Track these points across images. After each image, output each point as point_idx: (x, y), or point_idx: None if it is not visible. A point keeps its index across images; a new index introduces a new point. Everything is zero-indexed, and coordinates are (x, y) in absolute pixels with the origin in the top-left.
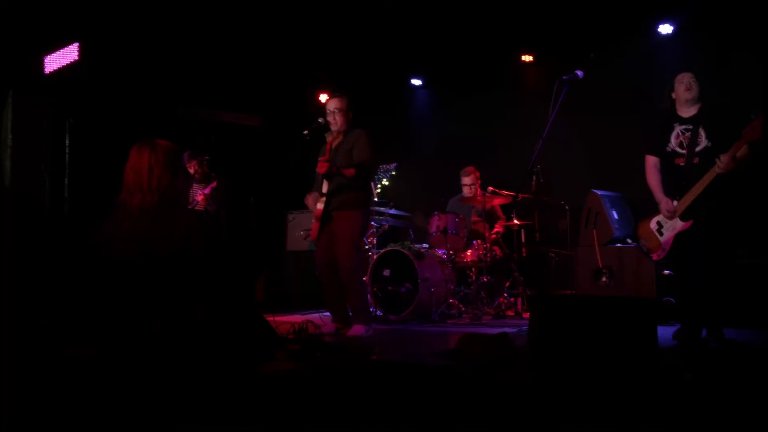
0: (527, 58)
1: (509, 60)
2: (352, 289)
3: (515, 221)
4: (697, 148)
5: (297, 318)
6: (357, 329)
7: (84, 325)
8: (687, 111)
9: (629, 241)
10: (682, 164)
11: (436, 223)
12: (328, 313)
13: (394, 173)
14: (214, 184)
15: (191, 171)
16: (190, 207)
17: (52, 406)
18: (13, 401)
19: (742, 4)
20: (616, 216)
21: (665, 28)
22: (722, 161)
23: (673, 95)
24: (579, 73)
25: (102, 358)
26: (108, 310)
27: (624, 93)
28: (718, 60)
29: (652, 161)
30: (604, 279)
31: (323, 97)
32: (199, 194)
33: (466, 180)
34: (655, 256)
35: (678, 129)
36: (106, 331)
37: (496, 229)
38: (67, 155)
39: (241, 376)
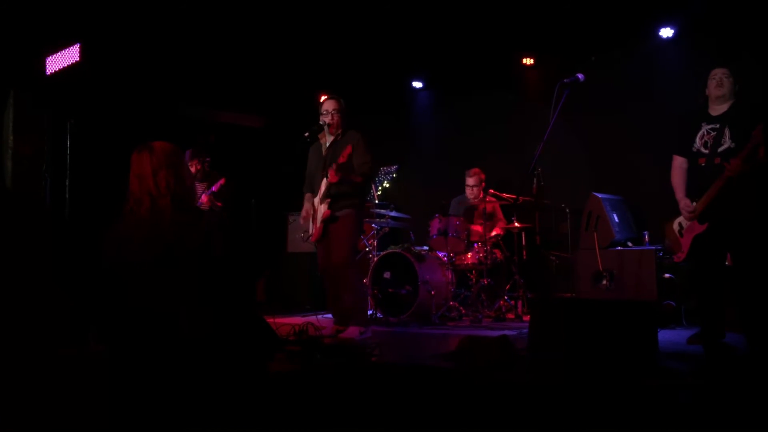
0: (528, 60)
1: (510, 62)
2: (348, 288)
3: (516, 224)
4: (720, 149)
5: (297, 319)
6: (351, 331)
7: (82, 325)
8: (717, 109)
9: (630, 244)
10: (703, 165)
11: (436, 225)
12: (328, 315)
13: (394, 175)
14: (222, 181)
15: (192, 170)
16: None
17: (52, 404)
18: (10, 400)
19: (743, 7)
20: (616, 219)
21: (666, 32)
22: (732, 165)
23: (707, 92)
24: (580, 75)
25: (104, 358)
26: (115, 312)
27: (625, 96)
28: (718, 62)
29: (678, 162)
30: (604, 282)
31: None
32: (204, 195)
33: (470, 181)
34: (676, 258)
35: (704, 128)
36: (112, 334)
37: (495, 232)
38: (68, 156)
39: (241, 378)
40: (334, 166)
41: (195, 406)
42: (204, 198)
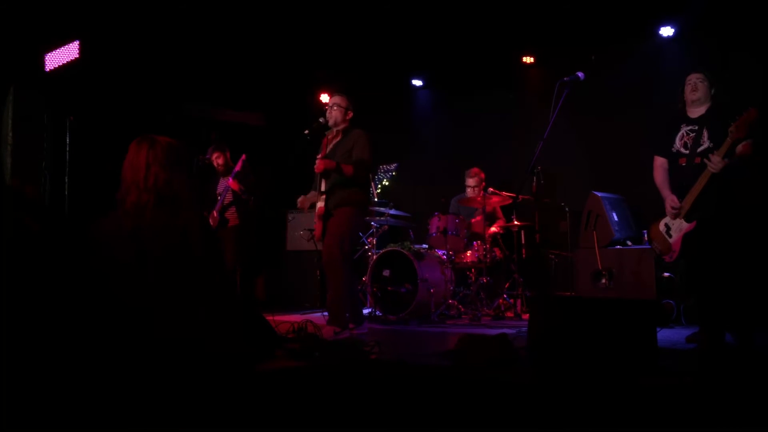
0: (528, 59)
1: (510, 61)
2: (331, 285)
3: (515, 222)
4: (699, 149)
5: (296, 317)
6: (326, 330)
7: (83, 323)
8: (695, 111)
9: (629, 243)
10: (684, 164)
11: (436, 223)
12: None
13: (394, 173)
14: (243, 157)
15: (215, 164)
16: (221, 202)
17: (32, 405)
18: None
19: (743, 6)
20: (616, 218)
21: (666, 31)
22: (713, 161)
23: (684, 96)
24: (580, 74)
25: (101, 357)
26: (107, 309)
27: (625, 95)
28: (719, 62)
29: (659, 162)
30: (603, 281)
31: (325, 97)
32: (230, 180)
33: (470, 182)
34: (667, 258)
35: (684, 130)
36: (106, 331)
37: (493, 228)
38: (67, 153)
39: (240, 375)
40: (318, 156)
41: (186, 405)
42: (230, 182)
